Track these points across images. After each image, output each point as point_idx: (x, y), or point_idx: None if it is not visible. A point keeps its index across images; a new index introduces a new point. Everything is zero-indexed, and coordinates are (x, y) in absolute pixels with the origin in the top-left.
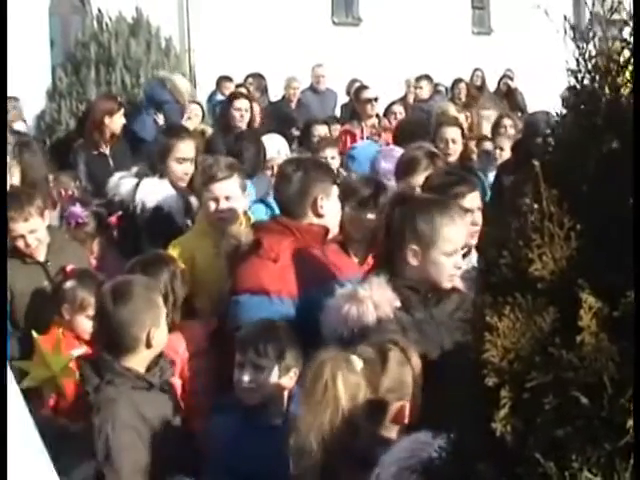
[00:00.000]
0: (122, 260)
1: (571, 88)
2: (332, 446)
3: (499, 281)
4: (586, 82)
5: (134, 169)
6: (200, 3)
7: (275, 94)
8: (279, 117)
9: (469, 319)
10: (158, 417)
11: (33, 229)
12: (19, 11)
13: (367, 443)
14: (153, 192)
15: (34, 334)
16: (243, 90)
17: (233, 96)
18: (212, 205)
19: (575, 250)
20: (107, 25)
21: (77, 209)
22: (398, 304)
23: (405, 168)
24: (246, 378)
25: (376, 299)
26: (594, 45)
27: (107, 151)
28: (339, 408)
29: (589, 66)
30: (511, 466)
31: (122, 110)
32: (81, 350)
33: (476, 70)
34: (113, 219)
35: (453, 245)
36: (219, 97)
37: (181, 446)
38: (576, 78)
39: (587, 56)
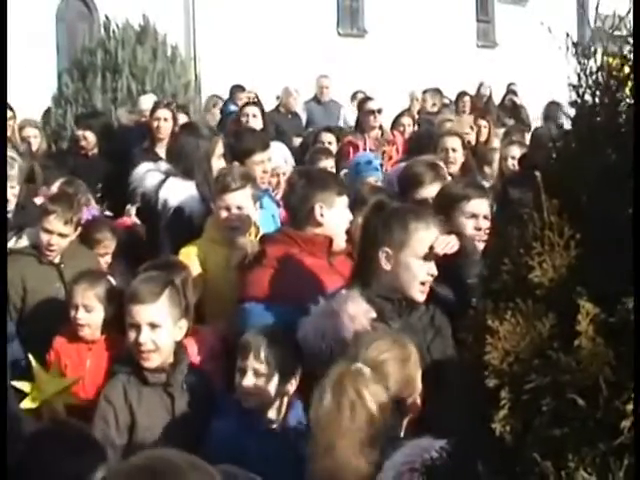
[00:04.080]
0: (131, 264)
1: (572, 103)
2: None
3: (500, 287)
4: (587, 97)
5: (162, 165)
6: (207, 12)
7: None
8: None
9: (469, 323)
10: (145, 411)
11: (64, 234)
12: (26, 17)
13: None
14: (178, 191)
15: (31, 359)
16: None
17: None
18: (223, 214)
19: (574, 258)
20: (114, 32)
21: (92, 208)
22: (374, 315)
23: (409, 183)
24: (246, 383)
25: (351, 312)
26: (595, 61)
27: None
28: (374, 421)
29: (590, 81)
30: (509, 465)
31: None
32: (72, 380)
33: (482, 83)
34: (125, 222)
35: (426, 250)
36: (232, 107)
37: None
38: (577, 93)
39: (588, 72)
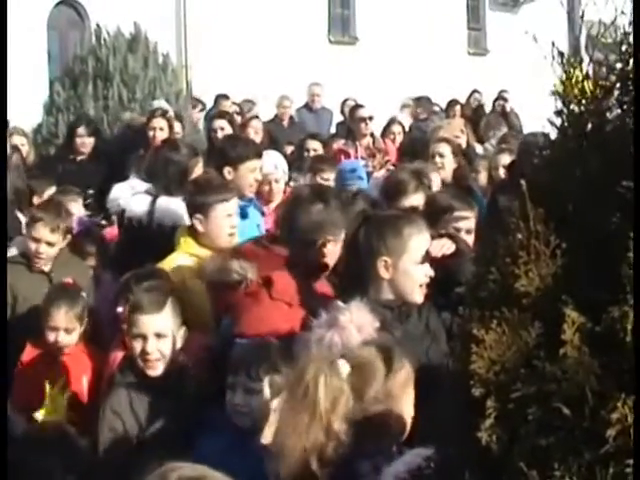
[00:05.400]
0: (118, 275)
1: (558, 112)
2: (310, 449)
3: (487, 296)
4: (573, 106)
5: (139, 184)
6: (198, 20)
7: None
8: (272, 136)
9: (457, 332)
10: (151, 419)
11: (52, 242)
12: (18, 25)
13: (346, 452)
14: (170, 210)
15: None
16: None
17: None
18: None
19: (560, 267)
20: (105, 40)
21: (84, 217)
22: (378, 325)
23: (394, 191)
24: (238, 401)
25: (358, 322)
26: (581, 70)
27: None
28: (317, 411)
29: (575, 90)
30: (496, 475)
31: None
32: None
33: (474, 92)
34: (110, 232)
35: (422, 254)
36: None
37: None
38: (563, 102)
39: (574, 81)
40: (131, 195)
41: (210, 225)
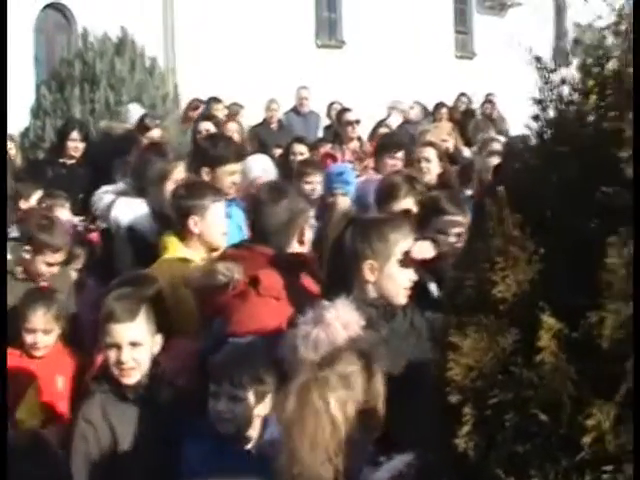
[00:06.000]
0: (101, 280)
1: (535, 117)
2: (346, 470)
3: (464, 302)
4: (550, 111)
5: (119, 185)
6: (186, 23)
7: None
8: (260, 140)
9: (434, 337)
10: (125, 428)
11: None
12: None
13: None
14: (128, 211)
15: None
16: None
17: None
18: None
19: (537, 273)
20: (92, 44)
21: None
22: (363, 323)
23: (386, 195)
24: (221, 408)
25: (344, 320)
26: (560, 74)
27: None
28: (339, 428)
29: (553, 95)
30: None
31: None
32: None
33: (461, 95)
34: (94, 236)
35: (408, 258)
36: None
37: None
38: (541, 107)
39: (551, 85)
40: (103, 193)
41: (206, 226)
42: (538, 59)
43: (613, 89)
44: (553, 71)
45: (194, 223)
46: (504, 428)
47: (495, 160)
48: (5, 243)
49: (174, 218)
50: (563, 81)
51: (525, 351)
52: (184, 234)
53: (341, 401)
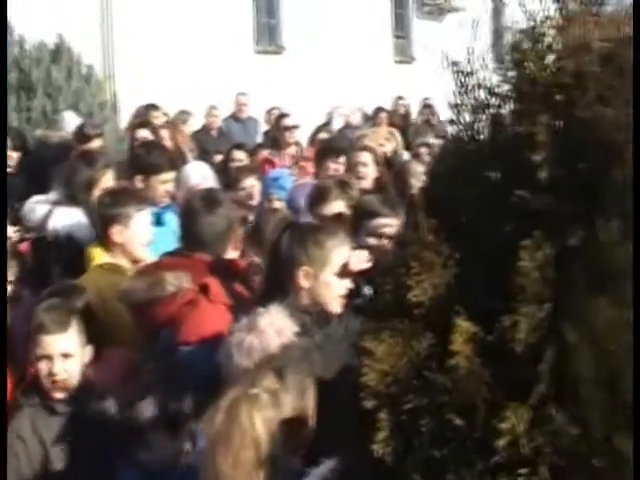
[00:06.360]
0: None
1: (450, 121)
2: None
3: (383, 307)
4: (466, 115)
5: (50, 195)
6: (124, 30)
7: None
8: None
9: (352, 343)
10: (56, 442)
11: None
12: None
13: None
14: (65, 220)
15: None
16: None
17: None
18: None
19: (453, 277)
20: (29, 51)
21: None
22: (297, 329)
23: (316, 198)
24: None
25: (277, 326)
26: (476, 79)
27: None
28: (262, 447)
29: (470, 100)
30: None
31: None
32: None
33: (399, 99)
34: (24, 246)
35: (343, 267)
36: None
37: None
38: (457, 111)
39: (466, 89)
40: (34, 204)
41: (129, 235)
42: (455, 63)
43: (528, 93)
44: (469, 75)
45: (117, 232)
46: (420, 433)
47: (423, 165)
48: (5, 243)
49: (98, 227)
50: (479, 85)
51: (440, 355)
52: (107, 244)
53: (268, 420)
